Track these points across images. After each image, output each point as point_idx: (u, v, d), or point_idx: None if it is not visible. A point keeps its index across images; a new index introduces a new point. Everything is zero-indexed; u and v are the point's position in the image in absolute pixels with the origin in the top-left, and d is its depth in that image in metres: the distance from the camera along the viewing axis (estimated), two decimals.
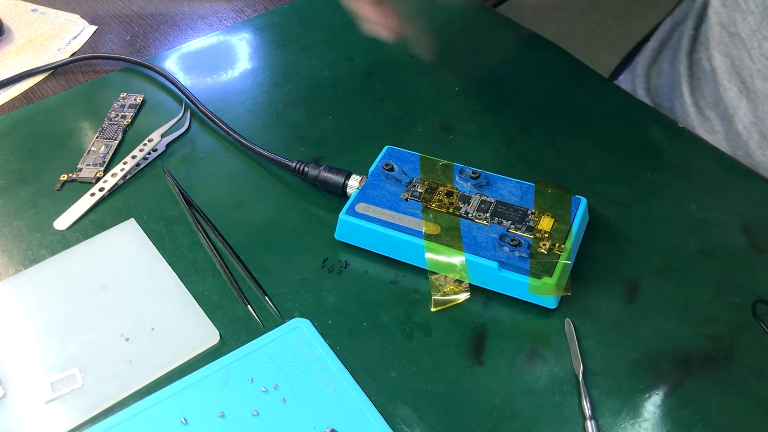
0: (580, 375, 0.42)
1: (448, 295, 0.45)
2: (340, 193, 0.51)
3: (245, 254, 0.48)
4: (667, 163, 0.55)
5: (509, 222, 0.46)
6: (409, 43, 0.59)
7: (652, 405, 0.41)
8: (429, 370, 0.43)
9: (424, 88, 0.61)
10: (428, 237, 0.46)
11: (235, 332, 0.44)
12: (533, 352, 0.43)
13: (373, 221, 0.47)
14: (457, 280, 0.46)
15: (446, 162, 0.50)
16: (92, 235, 0.50)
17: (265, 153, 0.54)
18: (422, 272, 0.47)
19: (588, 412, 0.40)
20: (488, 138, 0.57)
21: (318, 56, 0.65)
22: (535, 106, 0.60)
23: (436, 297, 0.45)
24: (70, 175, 0.54)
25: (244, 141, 0.55)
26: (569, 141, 0.56)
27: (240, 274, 0.47)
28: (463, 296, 0.45)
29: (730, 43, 0.60)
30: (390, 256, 0.48)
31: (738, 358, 0.43)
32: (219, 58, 0.65)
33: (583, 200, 0.48)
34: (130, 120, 0.58)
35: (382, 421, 0.40)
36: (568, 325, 0.44)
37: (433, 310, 0.45)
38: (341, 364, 0.43)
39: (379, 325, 0.45)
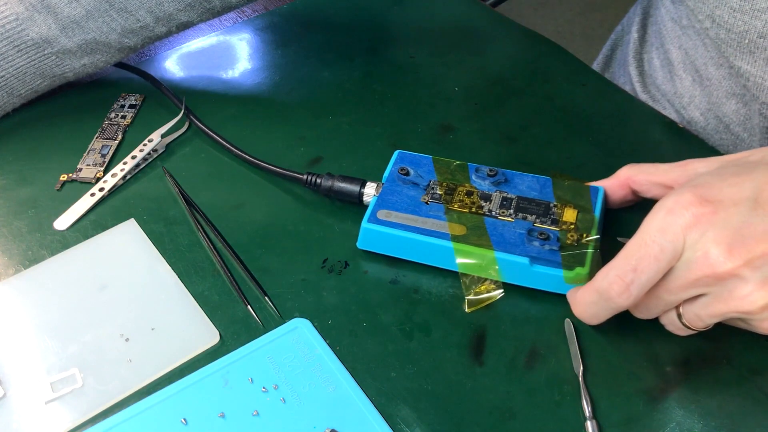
0: (580, 375, 0.42)
1: (481, 294, 0.45)
2: (355, 202, 0.50)
3: (245, 254, 0.48)
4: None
5: (534, 216, 0.46)
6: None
7: (652, 405, 0.41)
8: (429, 370, 0.43)
9: (424, 88, 0.61)
10: (455, 238, 0.45)
11: (235, 332, 0.44)
12: (533, 352, 0.43)
13: (398, 227, 0.46)
14: (487, 279, 0.46)
15: (460, 162, 0.50)
16: (92, 235, 0.50)
17: (273, 168, 0.53)
18: (423, 272, 0.47)
19: (588, 412, 0.40)
20: (488, 138, 0.57)
21: (318, 56, 0.65)
22: (535, 106, 0.60)
23: (470, 297, 0.45)
24: (70, 175, 0.54)
25: (248, 157, 0.54)
26: (569, 141, 0.56)
27: (240, 275, 0.47)
28: (497, 294, 0.45)
29: (683, 35, 0.64)
30: (417, 261, 0.47)
31: (738, 358, 0.43)
32: (219, 58, 0.65)
33: (601, 189, 0.48)
34: (130, 120, 0.58)
35: (382, 421, 0.40)
36: (568, 325, 0.44)
37: (468, 311, 0.45)
38: (341, 364, 0.43)
39: (379, 325, 0.45)
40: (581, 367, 0.42)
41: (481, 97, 0.61)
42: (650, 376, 0.42)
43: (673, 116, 0.67)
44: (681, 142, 0.56)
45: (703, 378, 0.42)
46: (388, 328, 0.45)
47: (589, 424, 0.40)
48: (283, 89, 0.62)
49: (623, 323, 0.44)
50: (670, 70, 0.66)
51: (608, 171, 0.49)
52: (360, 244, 0.48)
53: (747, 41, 0.55)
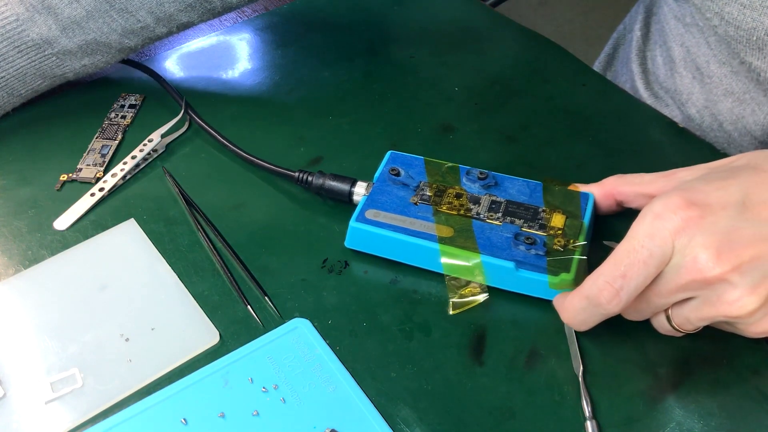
0: (580, 375, 0.42)
1: (466, 297, 0.45)
2: (346, 201, 0.50)
3: (245, 254, 0.49)
4: (667, 163, 0.54)
5: (521, 221, 0.46)
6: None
7: (652, 405, 0.41)
8: (429, 370, 0.43)
9: (424, 88, 0.61)
10: (442, 240, 0.45)
11: (235, 332, 0.44)
12: (533, 352, 0.43)
13: (385, 227, 0.46)
14: (472, 282, 0.46)
15: (452, 164, 0.50)
16: (92, 235, 0.50)
17: (266, 164, 0.53)
18: (422, 272, 0.47)
19: (588, 412, 0.40)
20: (488, 138, 0.57)
21: (318, 56, 0.65)
22: (535, 106, 0.60)
23: (454, 300, 0.45)
24: (70, 175, 0.54)
25: (243, 153, 0.54)
26: (569, 141, 0.56)
27: (240, 274, 0.47)
28: (481, 297, 0.45)
29: (686, 33, 0.64)
30: (404, 261, 0.47)
31: (738, 358, 0.43)
32: (219, 58, 0.65)
33: (591, 195, 0.48)
34: (130, 120, 0.58)
35: (382, 421, 0.40)
36: (568, 326, 0.44)
37: (451, 313, 0.45)
38: (341, 364, 0.43)
39: (379, 325, 0.45)
40: (581, 367, 0.42)
41: (481, 97, 0.61)
42: (650, 376, 0.42)
43: (675, 113, 0.67)
44: (681, 142, 0.56)
45: (703, 378, 0.42)
46: (388, 329, 0.45)
47: (589, 424, 0.40)
48: (283, 89, 0.62)
49: (623, 323, 0.44)
50: (672, 67, 0.67)
51: (608, 171, 0.49)
52: (348, 243, 0.48)
53: (755, 38, 0.55)
